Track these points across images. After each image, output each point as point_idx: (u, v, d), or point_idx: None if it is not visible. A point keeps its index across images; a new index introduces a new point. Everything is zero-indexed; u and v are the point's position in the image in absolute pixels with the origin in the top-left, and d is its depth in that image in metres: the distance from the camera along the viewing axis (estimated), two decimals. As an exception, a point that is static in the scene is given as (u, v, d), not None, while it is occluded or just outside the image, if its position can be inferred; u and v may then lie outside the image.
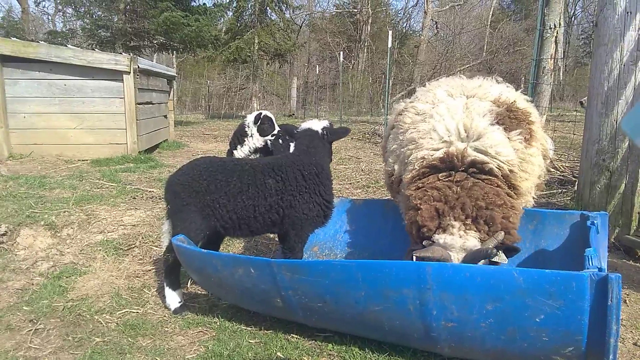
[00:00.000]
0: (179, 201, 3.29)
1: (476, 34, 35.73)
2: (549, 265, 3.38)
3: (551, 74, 7.73)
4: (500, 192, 2.81)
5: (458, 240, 2.66)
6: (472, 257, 2.59)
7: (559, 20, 7.53)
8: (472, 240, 2.66)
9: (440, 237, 2.71)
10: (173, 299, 3.41)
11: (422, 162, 3.03)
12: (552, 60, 7.63)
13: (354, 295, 2.57)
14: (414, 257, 2.61)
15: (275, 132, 5.87)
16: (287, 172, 3.29)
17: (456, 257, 2.62)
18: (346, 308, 2.67)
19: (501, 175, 2.88)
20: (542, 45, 7.56)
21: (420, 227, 2.79)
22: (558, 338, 2.25)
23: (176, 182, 3.36)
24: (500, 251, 2.63)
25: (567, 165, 7.45)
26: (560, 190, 6.12)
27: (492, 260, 2.63)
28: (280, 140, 6.07)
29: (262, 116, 5.88)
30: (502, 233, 2.66)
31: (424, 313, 2.41)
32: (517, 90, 3.62)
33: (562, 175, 6.79)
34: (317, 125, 3.55)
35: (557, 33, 7.61)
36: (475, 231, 2.70)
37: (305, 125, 3.60)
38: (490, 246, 2.59)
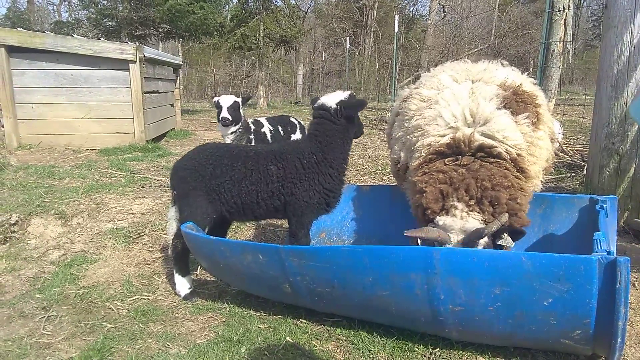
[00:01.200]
0: (186, 186, 3.32)
1: (484, 18, 35.24)
2: (558, 249, 3.37)
3: (560, 57, 7.65)
4: (508, 175, 2.79)
5: (458, 222, 2.66)
6: (467, 239, 2.58)
7: (568, 2, 7.42)
8: (473, 222, 2.65)
9: (440, 219, 2.71)
10: (183, 285, 3.44)
11: (429, 148, 3.01)
12: (561, 43, 7.55)
13: (362, 281, 2.59)
14: (416, 242, 2.61)
15: (220, 118, 5.46)
16: (288, 159, 3.28)
17: (455, 238, 2.61)
18: (354, 293, 2.69)
19: (509, 159, 2.86)
20: (551, 28, 7.48)
21: (425, 209, 2.79)
22: (566, 322, 2.26)
23: (183, 167, 3.40)
24: (506, 234, 2.61)
25: (576, 149, 7.38)
26: (569, 174, 6.08)
27: (498, 243, 2.62)
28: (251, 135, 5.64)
29: (215, 101, 5.58)
30: (506, 215, 2.64)
31: (431, 297, 2.42)
32: (525, 73, 3.59)
33: (571, 159, 6.73)
34: (331, 100, 3.28)
35: (566, 15, 7.51)
36: (478, 212, 2.69)
37: (321, 100, 3.36)
38: (492, 228, 2.56)
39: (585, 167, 5.31)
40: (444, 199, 2.76)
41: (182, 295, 3.44)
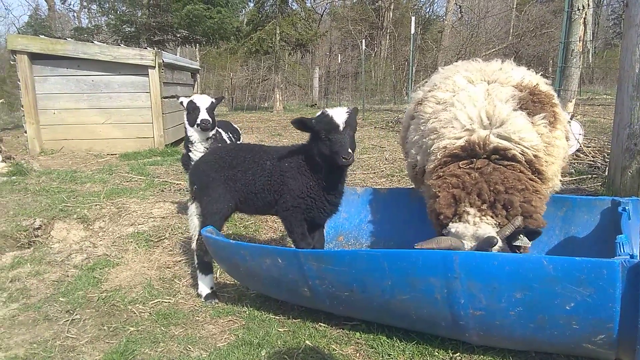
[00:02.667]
0: (206, 177, 3.46)
1: (502, 17, 34.89)
2: (579, 252, 3.33)
3: (580, 57, 7.54)
4: (522, 177, 2.77)
5: (470, 229, 2.64)
6: (479, 247, 2.56)
7: (588, 0, 7.31)
8: (485, 227, 2.63)
9: (453, 226, 2.70)
10: (205, 285, 3.50)
11: (444, 151, 3.00)
12: (581, 42, 7.44)
13: (381, 285, 2.59)
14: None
15: (198, 121, 4.42)
16: (277, 159, 3.38)
17: (468, 245, 2.60)
18: (373, 297, 2.69)
19: (525, 161, 2.83)
20: (571, 27, 7.37)
21: (438, 214, 2.79)
22: (589, 326, 2.23)
23: (204, 161, 3.62)
24: (522, 235, 2.60)
25: (597, 150, 7.27)
26: (590, 176, 5.98)
27: (515, 244, 2.61)
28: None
29: (187, 102, 4.54)
30: (520, 218, 2.62)
31: (451, 302, 2.41)
32: (544, 74, 3.56)
33: (592, 161, 6.63)
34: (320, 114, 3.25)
35: (585, 14, 7.40)
36: (491, 217, 2.67)
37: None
38: (506, 232, 2.56)
39: (607, 169, 5.23)
40: (456, 204, 2.75)
41: (204, 295, 3.49)
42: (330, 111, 3.13)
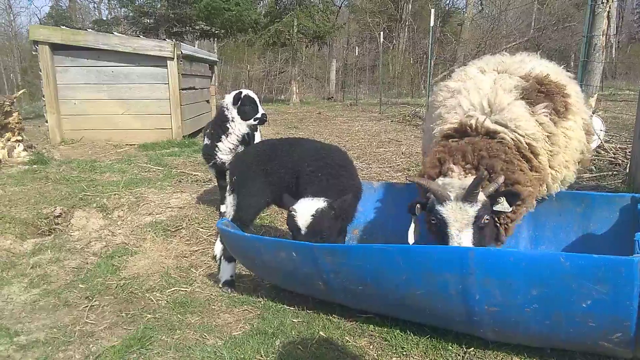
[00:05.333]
0: (248, 171, 3.57)
1: (523, 10, 34.30)
2: (598, 249, 3.29)
3: (603, 51, 7.40)
4: (508, 152, 2.81)
5: (457, 182, 2.72)
6: (468, 189, 2.61)
7: (612, -7, 7.16)
8: (471, 180, 2.67)
9: (440, 180, 2.79)
10: (226, 271, 3.56)
11: (442, 133, 3.09)
12: (604, 36, 7.29)
13: (395, 279, 2.59)
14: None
15: (258, 115, 4.79)
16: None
17: (455, 194, 2.64)
18: (387, 291, 2.69)
19: (514, 146, 2.86)
20: (594, 21, 7.23)
21: (421, 175, 2.89)
22: (605, 324, 2.21)
23: (247, 154, 3.84)
24: (502, 198, 2.66)
25: (619, 146, 7.14)
26: (611, 173, 5.89)
27: (495, 208, 2.66)
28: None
29: (242, 96, 4.78)
30: (502, 177, 2.68)
31: (466, 297, 2.41)
32: (565, 68, 3.52)
33: (613, 157, 6.52)
34: None
35: (609, 7, 7.25)
36: (474, 175, 2.73)
37: None
38: (490, 189, 2.64)
39: (628, 165, 5.14)
40: (441, 165, 2.85)
41: (222, 280, 3.55)
42: (298, 209, 2.97)
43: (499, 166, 2.72)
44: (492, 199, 2.67)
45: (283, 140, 3.94)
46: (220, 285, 3.55)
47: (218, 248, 3.72)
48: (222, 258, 3.59)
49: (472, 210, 2.59)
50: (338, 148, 3.75)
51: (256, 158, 3.62)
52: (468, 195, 2.58)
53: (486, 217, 2.64)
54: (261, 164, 3.54)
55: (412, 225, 2.99)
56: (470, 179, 2.69)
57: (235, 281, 3.60)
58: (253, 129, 5.01)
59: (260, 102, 4.87)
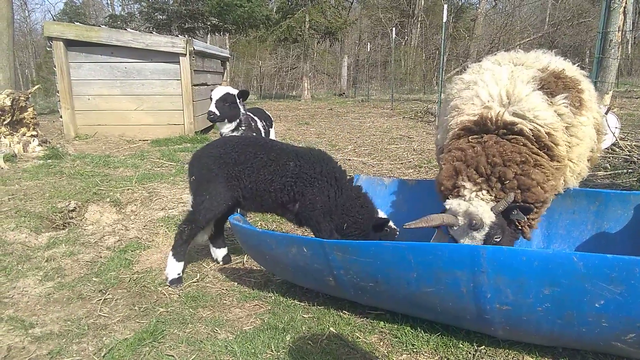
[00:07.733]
0: (208, 172, 3.49)
1: (537, 5, 33.92)
2: (612, 248, 3.26)
3: (618, 48, 7.29)
4: (523, 150, 2.80)
5: (463, 205, 2.75)
6: (467, 227, 2.70)
7: (629, -11, 7.05)
8: (477, 204, 2.73)
9: (447, 203, 2.83)
10: (174, 269, 3.56)
11: (460, 125, 3.08)
12: (620, 32, 7.19)
13: (406, 277, 2.59)
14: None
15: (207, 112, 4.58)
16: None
17: (462, 221, 2.71)
18: (398, 288, 2.69)
19: (532, 136, 2.84)
20: (609, 17, 7.13)
21: (439, 185, 2.92)
22: (618, 324, 2.19)
23: (206, 154, 3.59)
24: (516, 210, 2.71)
25: (634, 144, 7.05)
26: (625, 171, 5.82)
27: (510, 218, 2.73)
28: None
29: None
30: (512, 194, 2.71)
31: (477, 296, 2.40)
32: (580, 65, 3.49)
33: (628, 155, 6.43)
34: None
35: (625, 3, 7.15)
36: (487, 191, 2.77)
37: None
38: (500, 208, 2.69)
39: (644, 164, 5.07)
40: (456, 176, 2.86)
41: (170, 279, 3.55)
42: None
43: (510, 174, 2.73)
44: (507, 211, 2.73)
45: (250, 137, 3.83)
46: (168, 284, 3.55)
47: (212, 250, 3.88)
48: (170, 255, 3.56)
49: (479, 235, 2.71)
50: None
51: (219, 158, 3.50)
52: (471, 226, 2.67)
53: (496, 237, 2.72)
54: (225, 165, 3.46)
55: (437, 235, 3.05)
56: (476, 204, 2.74)
57: (182, 278, 3.61)
58: (265, 126, 5.00)
59: (224, 98, 4.59)
